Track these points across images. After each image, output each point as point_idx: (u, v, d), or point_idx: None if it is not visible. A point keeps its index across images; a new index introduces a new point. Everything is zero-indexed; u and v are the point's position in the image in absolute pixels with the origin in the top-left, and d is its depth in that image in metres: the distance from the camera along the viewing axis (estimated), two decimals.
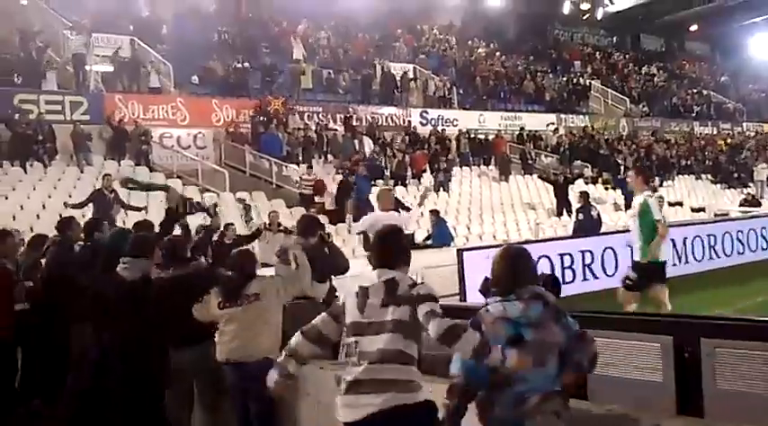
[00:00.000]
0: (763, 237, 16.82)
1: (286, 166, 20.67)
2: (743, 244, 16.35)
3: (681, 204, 23.29)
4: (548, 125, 29.25)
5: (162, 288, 5.64)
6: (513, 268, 3.66)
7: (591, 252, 13.69)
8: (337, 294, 7.14)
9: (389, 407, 3.55)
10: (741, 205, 22.43)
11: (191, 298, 5.46)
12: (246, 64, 23.74)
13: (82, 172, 18.08)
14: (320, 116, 23.97)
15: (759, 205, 22.61)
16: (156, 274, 5.78)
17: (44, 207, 15.73)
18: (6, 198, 16.10)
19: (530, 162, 26.16)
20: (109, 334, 5.64)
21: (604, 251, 13.87)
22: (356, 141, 22.46)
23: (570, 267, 13.27)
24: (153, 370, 5.52)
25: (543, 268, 12.16)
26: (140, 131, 19.47)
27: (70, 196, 16.59)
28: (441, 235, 16.39)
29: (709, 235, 15.51)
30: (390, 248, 3.94)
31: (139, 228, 7.07)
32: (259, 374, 4.31)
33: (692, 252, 15.02)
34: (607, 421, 3.80)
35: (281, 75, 24.81)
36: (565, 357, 3.50)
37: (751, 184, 28.46)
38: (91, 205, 14.05)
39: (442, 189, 21.93)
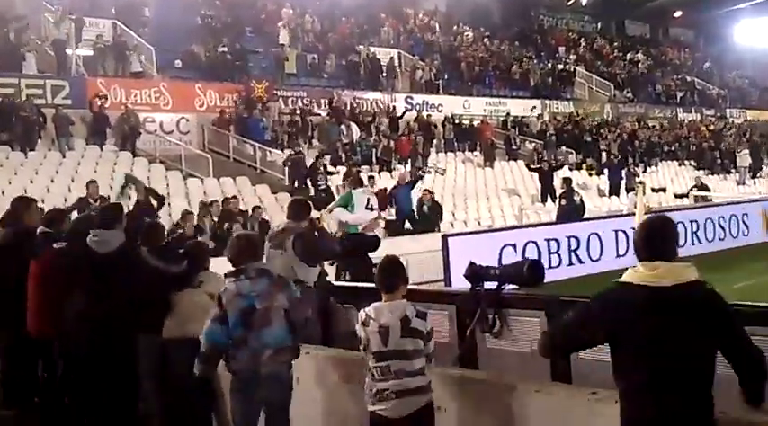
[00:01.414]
0: (744, 223, 16.98)
1: (270, 151, 20.55)
2: (724, 230, 16.50)
3: (664, 190, 23.33)
4: (532, 109, 29.24)
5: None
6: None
7: (576, 237, 13.73)
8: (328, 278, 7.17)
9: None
10: (691, 189, 22.24)
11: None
12: (230, 48, 23.51)
13: (64, 157, 17.90)
14: (304, 101, 23.83)
15: (708, 190, 22.41)
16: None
17: (25, 192, 15.54)
18: None
19: (514, 148, 26.15)
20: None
21: (590, 236, 13.92)
22: (341, 126, 22.33)
23: (557, 252, 13.29)
24: (120, 351, 5.45)
25: (530, 253, 12.20)
26: (129, 116, 19.28)
27: (52, 181, 16.48)
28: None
29: (692, 221, 15.61)
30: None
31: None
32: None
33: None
34: None
35: (265, 60, 24.63)
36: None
37: (733, 170, 28.64)
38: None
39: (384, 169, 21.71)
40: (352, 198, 9.35)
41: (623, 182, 23.67)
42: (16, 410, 6.57)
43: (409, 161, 22.39)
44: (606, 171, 24.74)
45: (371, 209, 9.34)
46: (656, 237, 3.32)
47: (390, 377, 4.12)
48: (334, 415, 5.23)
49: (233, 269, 4.72)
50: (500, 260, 11.05)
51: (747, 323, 3.38)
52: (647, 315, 3.14)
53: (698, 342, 3.12)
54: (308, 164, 19.10)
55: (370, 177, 18.46)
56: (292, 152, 19.71)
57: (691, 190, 22.09)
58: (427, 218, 17.06)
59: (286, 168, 19.47)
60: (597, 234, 14.01)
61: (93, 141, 18.82)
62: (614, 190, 23.62)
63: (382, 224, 9.92)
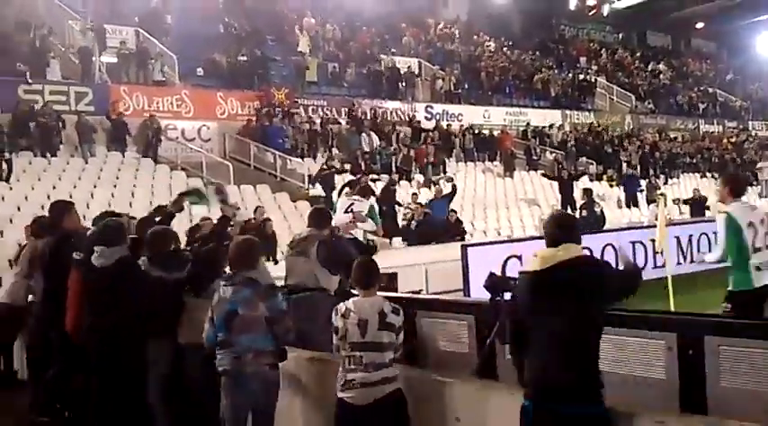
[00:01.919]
0: None
1: (290, 160, 20.64)
2: None
3: (685, 202, 23.15)
4: (550, 127, 29.13)
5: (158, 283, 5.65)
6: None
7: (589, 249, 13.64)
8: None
9: None
10: (685, 203, 21.16)
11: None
12: (251, 56, 23.65)
13: (86, 163, 18.07)
14: (325, 110, 23.94)
15: (706, 208, 20.58)
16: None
17: (49, 198, 15.70)
18: (11, 188, 16.10)
19: (534, 158, 26.09)
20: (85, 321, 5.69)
21: (604, 248, 13.79)
22: (361, 135, 22.37)
23: None
24: (128, 360, 5.50)
25: None
26: (153, 124, 19.44)
27: (75, 187, 16.63)
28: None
29: (715, 233, 15.40)
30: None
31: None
32: None
33: (699, 250, 14.92)
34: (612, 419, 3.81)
35: (286, 68, 24.76)
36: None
37: (755, 182, 28.34)
38: None
39: (432, 185, 21.54)
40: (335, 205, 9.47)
41: (644, 194, 23.50)
42: (49, 418, 6.64)
43: (429, 169, 22.40)
44: (623, 182, 24.52)
45: (349, 212, 9.26)
46: (546, 228, 4.00)
47: (360, 369, 4.50)
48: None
49: (228, 273, 5.15)
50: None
51: None
52: (528, 295, 3.81)
53: (569, 316, 3.62)
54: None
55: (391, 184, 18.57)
56: (324, 166, 19.29)
57: (685, 203, 21.42)
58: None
59: (317, 184, 19.00)
60: (612, 245, 13.91)
61: (113, 148, 18.98)
62: (631, 202, 23.43)
63: (380, 232, 9.86)
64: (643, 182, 24.56)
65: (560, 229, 3.89)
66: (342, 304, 4.69)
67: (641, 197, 23.55)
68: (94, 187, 16.79)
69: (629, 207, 23.17)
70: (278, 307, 4.96)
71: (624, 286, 3.91)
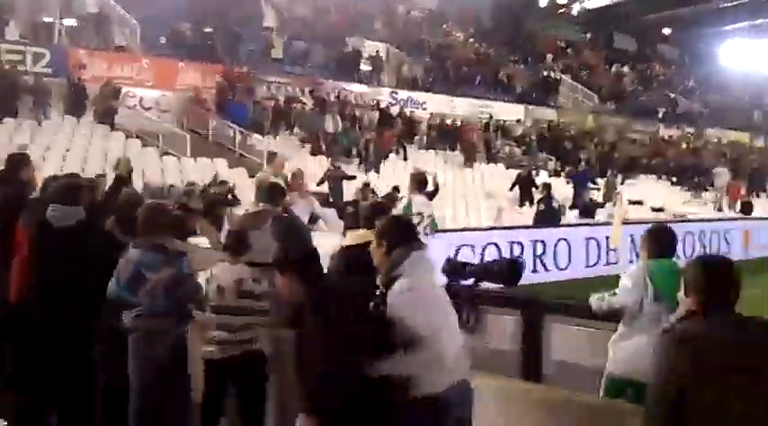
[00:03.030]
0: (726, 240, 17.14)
1: (250, 136, 20.34)
2: (703, 246, 16.62)
3: (641, 203, 23.43)
4: (519, 119, 29.24)
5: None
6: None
7: (544, 242, 13.77)
8: None
9: None
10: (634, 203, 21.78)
11: None
12: (216, 29, 23.25)
13: (39, 125, 17.59)
14: (288, 88, 23.66)
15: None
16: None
17: None
18: None
19: (495, 151, 26.14)
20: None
21: (558, 242, 13.92)
22: (325, 116, 22.14)
23: (540, 256, 13.33)
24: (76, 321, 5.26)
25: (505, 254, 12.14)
26: (111, 89, 18.96)
27: (26, 150, 16.10)
28: None
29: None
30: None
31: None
32: None
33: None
34: None
35: (252, 44, 24.37)
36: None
37: (709, 188, 28.77)
38: None
39: (373, 170, 21.30)
40: None
41: (599, 193, 23.61)
42: None
43: (390, 156, 22.30)
44: (574, 177, 23.60)
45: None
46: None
47: (220, 328, 4.95)
48: None
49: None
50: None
51: None
52: None
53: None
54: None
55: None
56: (331, 167, 17.99)
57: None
58: None
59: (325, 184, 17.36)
60: (566, 240, 14.04)
61: (71, 112, 18.50)
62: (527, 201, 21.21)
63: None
64: (601, 181, 24.74)
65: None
66: (210, 269, 5.16)
67: (598, 195, 23.70)
68: (47, 150, 16.34)
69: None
70: (182, 271, 4.99)
71: None
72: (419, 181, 9.26)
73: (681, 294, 3.03)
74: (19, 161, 6.58)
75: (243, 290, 5.00)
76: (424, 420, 3.58)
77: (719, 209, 25.72)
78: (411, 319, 3.49)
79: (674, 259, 4.59)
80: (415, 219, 8.35)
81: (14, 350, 5.78)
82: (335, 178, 17.05)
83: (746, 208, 21.38)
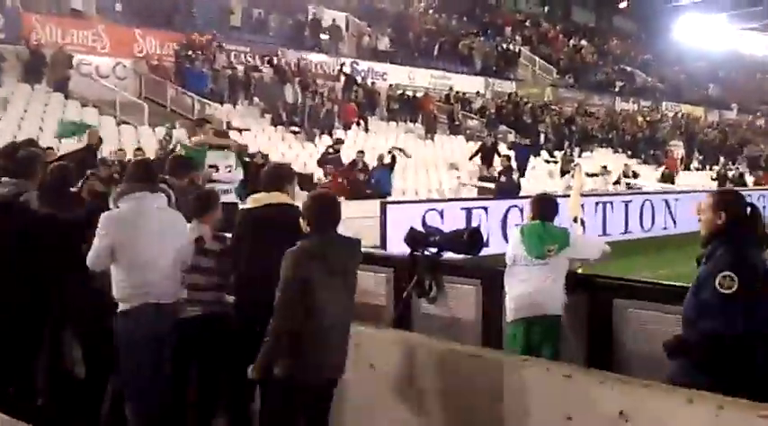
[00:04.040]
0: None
1: (209, 105, 20.12)
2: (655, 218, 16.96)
3: (597, 175, 23.78)
4: (477, 94, 29.33)
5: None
6: None
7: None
8: None
9: None
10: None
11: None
12: None
13: None
14: (248, 57, 23.40)
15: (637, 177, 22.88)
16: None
17: None
18: None
19: (456, 123, 26.24)
20: None
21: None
22: (285, 86, 21.97)
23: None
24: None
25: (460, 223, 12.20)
26: (64, 56, 18.57)
27: None
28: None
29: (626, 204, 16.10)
30: None
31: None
32: None
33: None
34: None
35: (210, 11, 23.99)
36: None
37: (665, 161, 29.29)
38: None
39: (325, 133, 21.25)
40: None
41: (558, 165, 23.86)
42: None
43: (353, 127, 22.29)
44: (513, 150, 22.49)
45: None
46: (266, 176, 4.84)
47: (187, 289, 4.85)
48: None
49: None
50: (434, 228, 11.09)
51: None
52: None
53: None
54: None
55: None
56: (331, 150, 17.53)
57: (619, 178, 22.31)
58: None
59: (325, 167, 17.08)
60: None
61: (27, 79, 18.10)
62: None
63: None
64: (558, 154, 25.07)
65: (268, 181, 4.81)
66: None
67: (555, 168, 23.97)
68: (0, 119, 16.00)
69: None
70: None
71: None
72: None
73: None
74: None
75: (204, 249, 4.89)
76: None
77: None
78: None
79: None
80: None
81: None
82: (335, 160, 17.16)
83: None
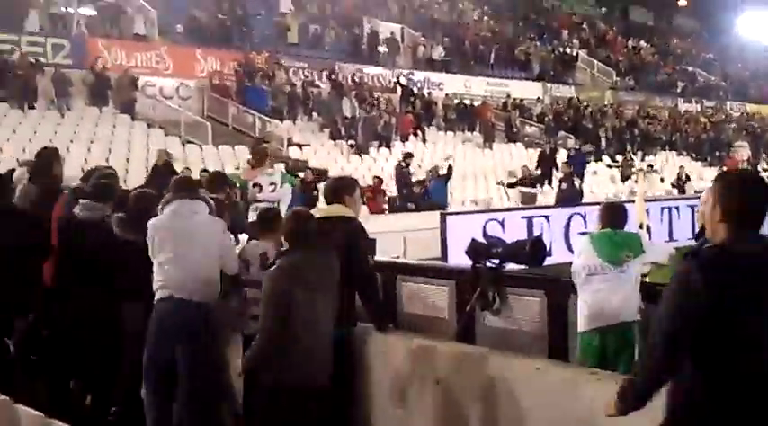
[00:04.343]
0: None
1: (270, 122, 20.47)
2: None
3: (662, 179, 23.38)
4: (539, 97, 29.16)
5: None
6: None
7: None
8: None
9: None
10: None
11: None
12: (232, 15, 23.32)
13: (62, 117, 17.81)
14: (305, 72, 23.72)
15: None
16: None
17: (24, 151, 15.46)
18: None
19: (514, 130, 26.10)
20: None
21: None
22: (342, 100, 22.20)
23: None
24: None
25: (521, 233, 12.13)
26: (129, 79, 19.14)
27: (50, 141, 16.34)
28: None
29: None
30: None
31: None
32: None
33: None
34: None
35: (268, 28, 24.43)
36: None
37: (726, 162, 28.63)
38: None
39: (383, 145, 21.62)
40: None
41: (619, 170, 23.57)
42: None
43: (410, 138, 22.40)
44: (569, 157, 21.80)
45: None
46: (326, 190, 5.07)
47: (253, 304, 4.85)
48: None
49: None
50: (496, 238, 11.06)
51: None
52: None
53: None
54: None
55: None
56: (403, 164, 17.53)
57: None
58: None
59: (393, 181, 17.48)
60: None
61: (93, 102, 18.71)
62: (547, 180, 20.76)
63: None
64: (619, 158, 24.74)
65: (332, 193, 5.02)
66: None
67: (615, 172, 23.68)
68: (71, 142, 16.55)
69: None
70: None
71: None
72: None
73: None
74: (52, 155, 6.75)
75: (268, 265, 4.86)
76: None
77: None
78: None
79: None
80: None
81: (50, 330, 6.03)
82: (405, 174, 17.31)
83: None
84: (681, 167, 22.85)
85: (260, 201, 8.12)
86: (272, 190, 8.40)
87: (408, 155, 18.05)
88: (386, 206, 16.31)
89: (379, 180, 16.73)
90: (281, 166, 9.59)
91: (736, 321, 2.55)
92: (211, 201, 5.27)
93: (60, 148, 15.01)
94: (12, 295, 5.46)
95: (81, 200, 5.70)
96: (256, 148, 9.48)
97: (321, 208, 5.04)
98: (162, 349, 4.85)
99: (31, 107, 17.57)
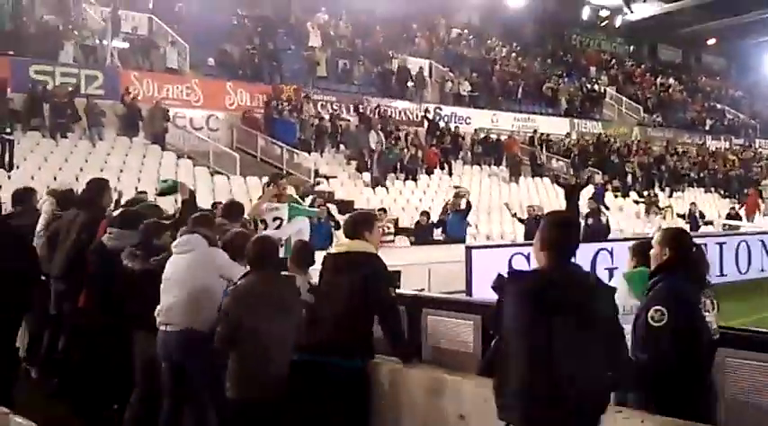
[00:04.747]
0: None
1: (297, 154, 20.64)
2: (752, 259, 16.32)
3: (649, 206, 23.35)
4: (568, 133, 29.17)
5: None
6: None
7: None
8: None
9: None
10: (728, 217, 22.58)
11: None
12: (262, 49, 23.66)
13: (94, 146, 18.09)
14: (334, 106, 23.94)
15: (740, 219, 22.67)
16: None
17: (55, 179, 15.73)
18: (17, 167, 16.14)
19: (540, 165, 26.10)
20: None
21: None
22: (369, 133, 22.34)
23: None
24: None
25: None
26: (160, 110, 19.45)
27: (81, 170, 16.63)
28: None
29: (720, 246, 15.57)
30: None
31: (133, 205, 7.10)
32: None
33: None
34: None
35: (297, 62, 24.76)
36: None
37: (760, 201, 28.33)
38: None
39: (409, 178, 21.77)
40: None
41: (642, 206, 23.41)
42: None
43: (436, 171, 22.49)
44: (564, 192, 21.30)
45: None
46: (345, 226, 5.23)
47: None
48: None
49: None
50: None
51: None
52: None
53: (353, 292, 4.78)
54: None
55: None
56: (457, 192, 17.32)
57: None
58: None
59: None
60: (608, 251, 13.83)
61: (125, 133, 19.00)
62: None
63: None
64: (634, 195, 24.77)
65: (352, 228, 5.18)
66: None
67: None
68: (101, 171, 16.70)
69: None
70: None
71: None
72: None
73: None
74: (101, 186, 7.01)
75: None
76: None
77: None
78: None
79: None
80: None
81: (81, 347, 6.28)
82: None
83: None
84: (692, 204, 22.64)
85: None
86: (278, 226, 8.41)
87: (460, 192, 17.67)
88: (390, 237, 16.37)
89: (383, 211, 16.77)
90: (293, 196, 9.51)
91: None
92: (208, 233, 5.47)
93: (91, 177, 15.42)
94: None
95: (109, 229, 5.86)
96: (269, 183, 9.55)
97: (343, 243, 5.16)
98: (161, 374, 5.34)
99: (64, 136, 17.86)
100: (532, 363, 3.28)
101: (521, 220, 17.24)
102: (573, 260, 3.49)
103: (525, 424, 3.32)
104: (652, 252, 4.26)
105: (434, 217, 16.69)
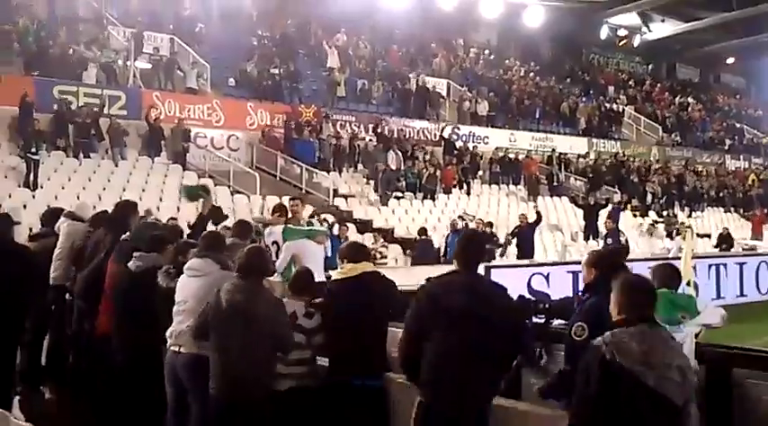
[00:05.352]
0: None
1: (316, 173, 20.78)
2: None
3: (709, 236, 23.10)
4: (587, 152, 29.22)
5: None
6: None
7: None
8: None
9: None
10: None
11: None
12: (282, 69, 23.91)
13: (116, 166, 18.32)
14: (353, 125, 24.09)
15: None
16: None
17: (78, 198, 15.93)
18: (41, 187, 16.37)
19: (558, 184, 26.09)
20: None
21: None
22: (388, 152, 22.46)
23: None
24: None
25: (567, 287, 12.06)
26: (182, 130, 19.68)
27: (104, 189, 16.85)
28: None
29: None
30: None
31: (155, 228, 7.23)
32: None
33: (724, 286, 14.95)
34: None
35: (316, 83, 24.98)
36: None
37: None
38: None
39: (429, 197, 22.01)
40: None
41: (662, 226, 23.38)
42: None
43: (453, 191, 22.57)
44: (583, 211, 22.09)
45: None
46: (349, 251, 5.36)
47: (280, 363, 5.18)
48: None
49: None
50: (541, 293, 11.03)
51: None
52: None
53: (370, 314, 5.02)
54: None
55: None
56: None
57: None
58: None
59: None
60: None
61: (147, 153, 19.23)
62: (591, 234, 20.92)
63: None
64: (653, 215, 24.70)
65: (354, 252, 5.42)
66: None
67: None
68: (123, 190, 16.97)
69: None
70: None
71: None
72: None
73: None
74: (129, 208, 7.21)
75: (296, 324, 5.21)
76: None
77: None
78: None
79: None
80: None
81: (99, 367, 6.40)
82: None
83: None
84: (725, 228, 22.64)
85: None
86: (276, 251, 8.51)
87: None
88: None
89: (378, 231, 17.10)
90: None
91: None
92: (221, 258, 5.59)
93: (113, 196, 15.64)
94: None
95: (135, 253, 6.01)
96: (276, 205, 9.71)
97: (355, 267, 5.23)
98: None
99: (87, 156, 18.10)
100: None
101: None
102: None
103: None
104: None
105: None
